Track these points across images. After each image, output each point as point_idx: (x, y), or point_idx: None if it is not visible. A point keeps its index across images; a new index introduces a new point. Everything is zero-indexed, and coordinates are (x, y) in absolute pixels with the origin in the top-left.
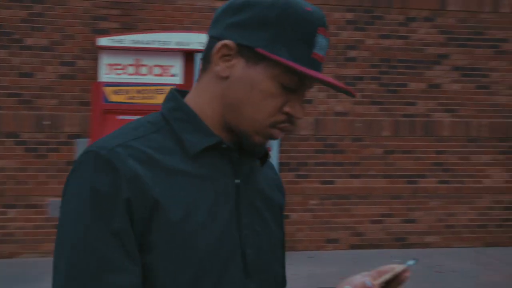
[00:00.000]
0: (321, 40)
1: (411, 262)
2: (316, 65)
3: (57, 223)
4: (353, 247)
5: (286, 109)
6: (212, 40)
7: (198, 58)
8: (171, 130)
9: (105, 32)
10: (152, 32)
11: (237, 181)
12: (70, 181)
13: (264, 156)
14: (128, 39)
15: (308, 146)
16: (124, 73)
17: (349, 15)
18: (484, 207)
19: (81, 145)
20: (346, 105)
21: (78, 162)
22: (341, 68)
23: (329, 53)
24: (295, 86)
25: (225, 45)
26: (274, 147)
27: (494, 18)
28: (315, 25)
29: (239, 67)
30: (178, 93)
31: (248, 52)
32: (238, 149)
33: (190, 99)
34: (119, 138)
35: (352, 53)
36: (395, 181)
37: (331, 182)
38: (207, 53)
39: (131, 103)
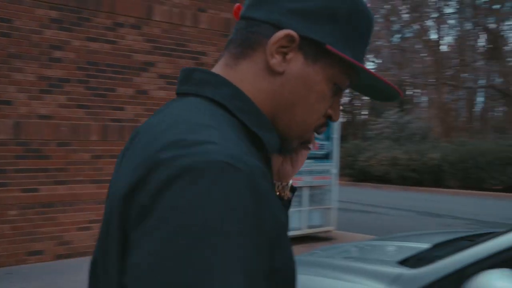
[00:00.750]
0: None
1: None
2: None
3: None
4: (59, 257)
5: (329, 111)
6: (262, 25)
7: None
8: (238, 124)
9: None
10: None
11: None
12: (191, 201)
13: None
14: None
15: (6, 152)
16: None
17: (54, 13)
18: None
19: None
20: (50, 108)
21: (203, 174)
22: (45, 68)
23: (31, 51)
24: (344, 88)
25: (288, 36)
26: None
27: (194, 32)
28: (373, 23)
29: (297, 63)
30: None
31: (308, 47)
32: None
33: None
34: (229, 142)
35: (57, 54)
36: (104, 186)
37: (34, 190)
38: (248, 38)
39: None
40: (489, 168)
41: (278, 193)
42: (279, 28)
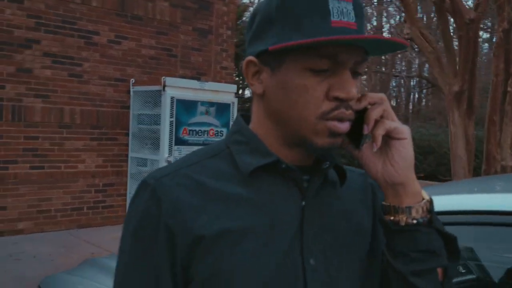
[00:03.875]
0: (337, 6)
1: None
2: (347, 32)
3: None
4: None
5: (332, 93)
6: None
7: None
8: (230, 154)
9: None
10: None
11: (303, 203)
12: (128, 208)
13: (342, 174)
14: None
15: None
16: None
17: None
18: (79, 190)
19: None
20: None
21: (136, 190)
22: None
23: None
24: (328, 66)
25: (248, 63)
26: None
27: (84, 10)
28: None
29: (267, 77)
30: (244, 117)
31: (268, 58)
32: (311, 169)
33: (251, 124)
34: (173, 166)
35: None
36: None
37: None
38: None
39: None
40: None
41: (392, 218)
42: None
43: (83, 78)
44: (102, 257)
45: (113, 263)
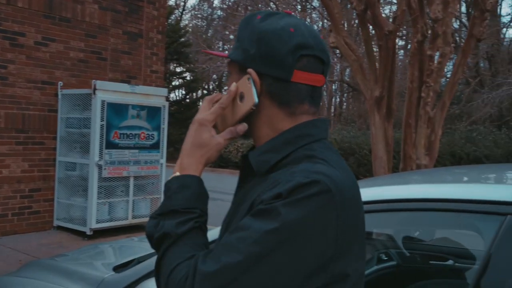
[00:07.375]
0: None
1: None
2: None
3: None
4: None
5: None
6: None
7: None
8: None
9: None
10: None
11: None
12: None
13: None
14: None
15: None
16: None
17: None
18: (3, 196)
19: None
20: None
21: None
22: None
23: None
24: None
25: None
26: None
27: (10, 11)
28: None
29: None
30: None
31: None
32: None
33: None
34: None
35: None
36: None
37: None
38: None
39: None
40: None
41: None
42: None
43: (8, 80)
44: (44, 259)
45: (55, 263)
